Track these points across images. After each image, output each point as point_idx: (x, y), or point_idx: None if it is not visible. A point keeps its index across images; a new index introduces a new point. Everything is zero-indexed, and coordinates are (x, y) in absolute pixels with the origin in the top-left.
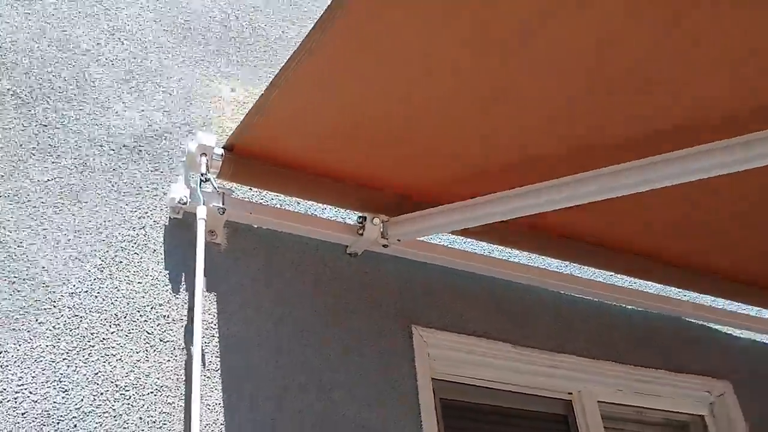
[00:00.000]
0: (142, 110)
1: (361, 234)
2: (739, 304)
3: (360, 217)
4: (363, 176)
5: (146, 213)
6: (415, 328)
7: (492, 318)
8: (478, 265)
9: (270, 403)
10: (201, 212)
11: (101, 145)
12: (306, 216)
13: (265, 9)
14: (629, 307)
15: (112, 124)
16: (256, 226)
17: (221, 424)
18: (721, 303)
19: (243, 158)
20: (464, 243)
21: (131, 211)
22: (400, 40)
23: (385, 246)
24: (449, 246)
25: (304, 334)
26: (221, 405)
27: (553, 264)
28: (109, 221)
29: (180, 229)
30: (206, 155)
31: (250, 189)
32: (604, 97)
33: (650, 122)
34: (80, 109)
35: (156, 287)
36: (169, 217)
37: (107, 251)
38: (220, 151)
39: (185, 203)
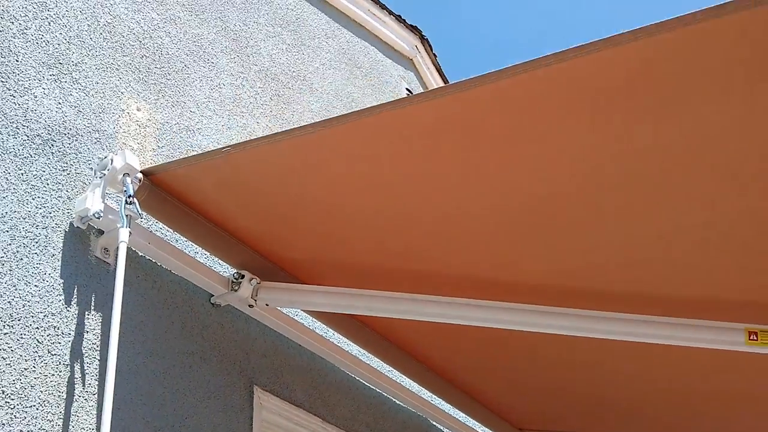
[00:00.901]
0: (60, 103)
1: (236, 290)
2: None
3: (238, 273)
4: (251, 237)
5: (50, 213)
6: (256, 389)
7: (310, 391)
8: (306, 339)
9: None
10: (123, 235)
11: (17, 127)
12: (191, 259)
13: (174, 35)
14: (395, 400)
15: (30, 108)
16: (141, 254)
17: None
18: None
19: (157, 188)
20: (303, 317)
21: (36, 207)
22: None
23: (251, 306)
24: (291, 316)
25: (167, 375)
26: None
27: (354, 349)
28: (16, 212)
29: (78, 238)
30: (129, 176)
31: (140, 216)
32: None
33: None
34: (1, 81)
35: (51, 295)
36: (71, 223)
37: (10, 244)
38: (140, 175)
39: (99, 218)
